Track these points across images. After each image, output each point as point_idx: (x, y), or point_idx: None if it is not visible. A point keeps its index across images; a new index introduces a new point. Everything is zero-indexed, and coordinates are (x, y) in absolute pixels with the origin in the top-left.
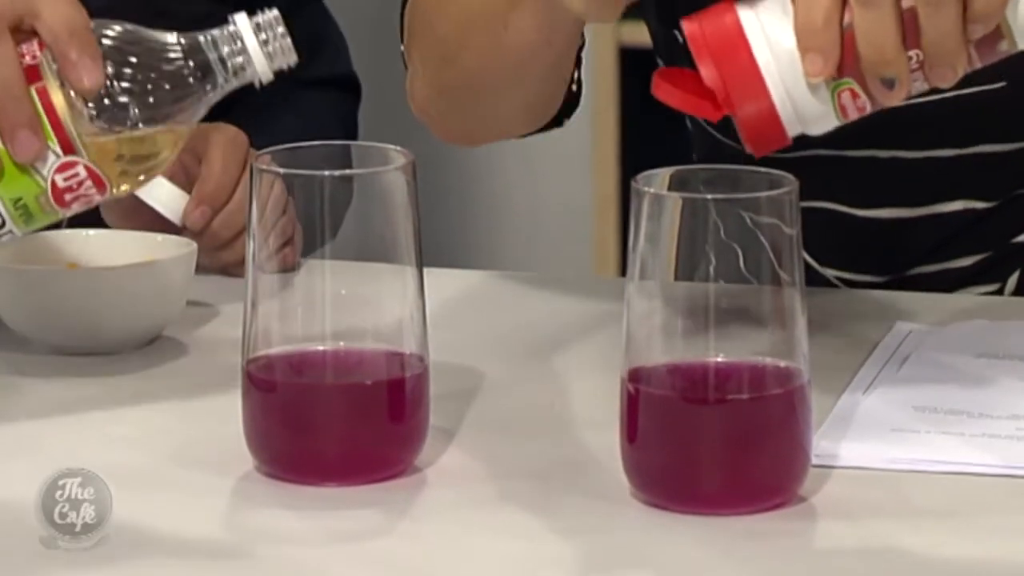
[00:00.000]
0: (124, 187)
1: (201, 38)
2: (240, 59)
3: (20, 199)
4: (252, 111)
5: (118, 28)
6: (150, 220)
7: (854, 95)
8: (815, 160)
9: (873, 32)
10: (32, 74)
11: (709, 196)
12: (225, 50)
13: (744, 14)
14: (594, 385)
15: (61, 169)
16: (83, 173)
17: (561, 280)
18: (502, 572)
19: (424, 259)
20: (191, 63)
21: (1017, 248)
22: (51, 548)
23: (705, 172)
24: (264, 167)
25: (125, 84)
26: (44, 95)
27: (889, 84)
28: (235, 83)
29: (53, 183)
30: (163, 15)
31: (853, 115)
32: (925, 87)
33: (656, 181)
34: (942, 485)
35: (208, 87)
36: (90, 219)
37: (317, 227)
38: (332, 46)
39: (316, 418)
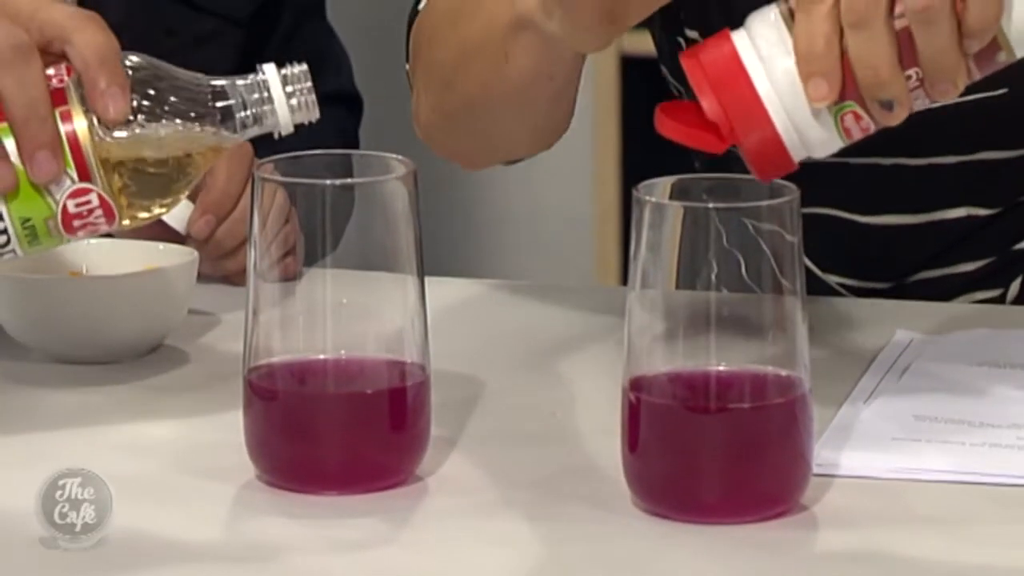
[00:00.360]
0: (128, 221)
1: (227, 82)
2: (264, 108)
3: (29, 219)
4: None
5: (147, 62)
6: (154, 229)
7: (857, 117)
8: (818, 167)
9: (867, 55)
10: (57, 97)
11: (710, 205)
12: (251, 98)
13: (741, 44)
14: (595, 394)
15: (74, 195)
16: (95, 201)
17: (562, 289)
18: None
19: (425, 268)
20: (215, 106)
21: (1020, 254)
22: (51, 548)
23: (706, 181)
24: (266, 176)
25: (145, 117)
26: (67, 119)
27: (888, 106)
28: (254, 131)
29: (64, 208)
30: (172, 33)
31: (857, 136)
32: (928, 103)
33: (657, 190)
34: (943, 494)
35: (226, 132)
36: None
37: (318, 236)
38: (335, 63)
39: (317, 427)
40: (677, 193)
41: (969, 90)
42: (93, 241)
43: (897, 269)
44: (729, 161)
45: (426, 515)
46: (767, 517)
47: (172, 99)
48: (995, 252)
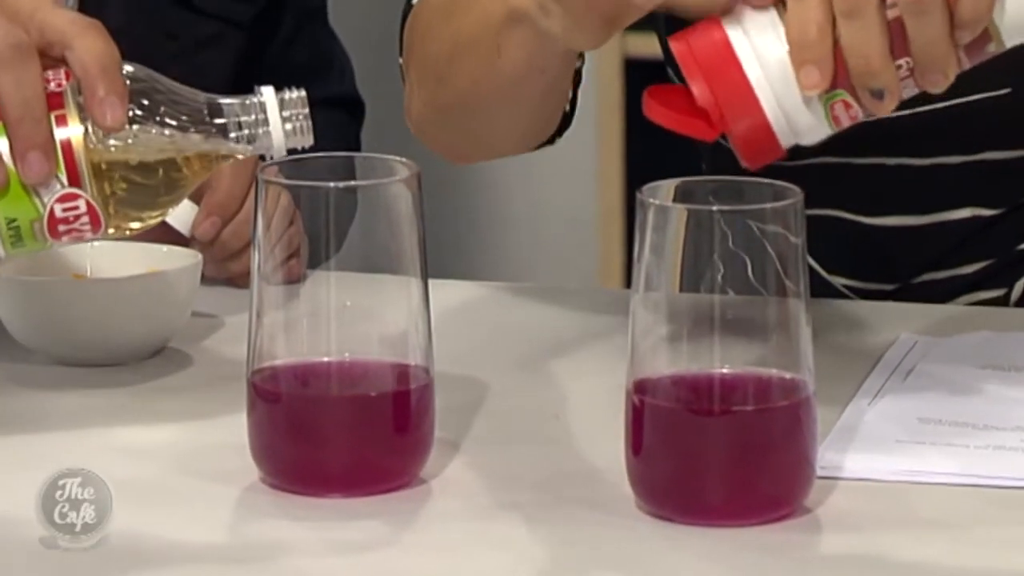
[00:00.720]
0: (114, 230)
1: (225, 100)
2: (259, 130)
3: (15, 220)
4: None
5: (145, 73)
6: (157, 231)
7: (847, 105)
8: (822, 168)
9: (859, 44)
10: (54, 101)
11: (715, 208)
12: (246, 119)
13: (732, 30)
14: (599, 396)
15: (63, 199)
16: (83, 207)
17: (566, 291)
18: None
19: (429, 270)
20: (210, 122)
21: (1023, 254)
22: (51, 548)
23: (710, 183)
24: (269, 178)
25: (140, 128)
26: (62, 123)
27: (878, 95)
28: (247, 151)
29: (51, 211)
30: (173, 36)
31: (846, 123)
32: (916, 91)
33: (661, 193)
34: (947, 497)
35: (220, 149)
36: None
37: (322, 238)
38: (337, 66)
39: (321, 429)
40: (681, 195)
41: (973, 90)
42: (96, 243)
43: (901, 271)
44: (736, 162)
45: (430, 518)
46: (771, 520)
47: (168, 112)
48: (999, 252)
